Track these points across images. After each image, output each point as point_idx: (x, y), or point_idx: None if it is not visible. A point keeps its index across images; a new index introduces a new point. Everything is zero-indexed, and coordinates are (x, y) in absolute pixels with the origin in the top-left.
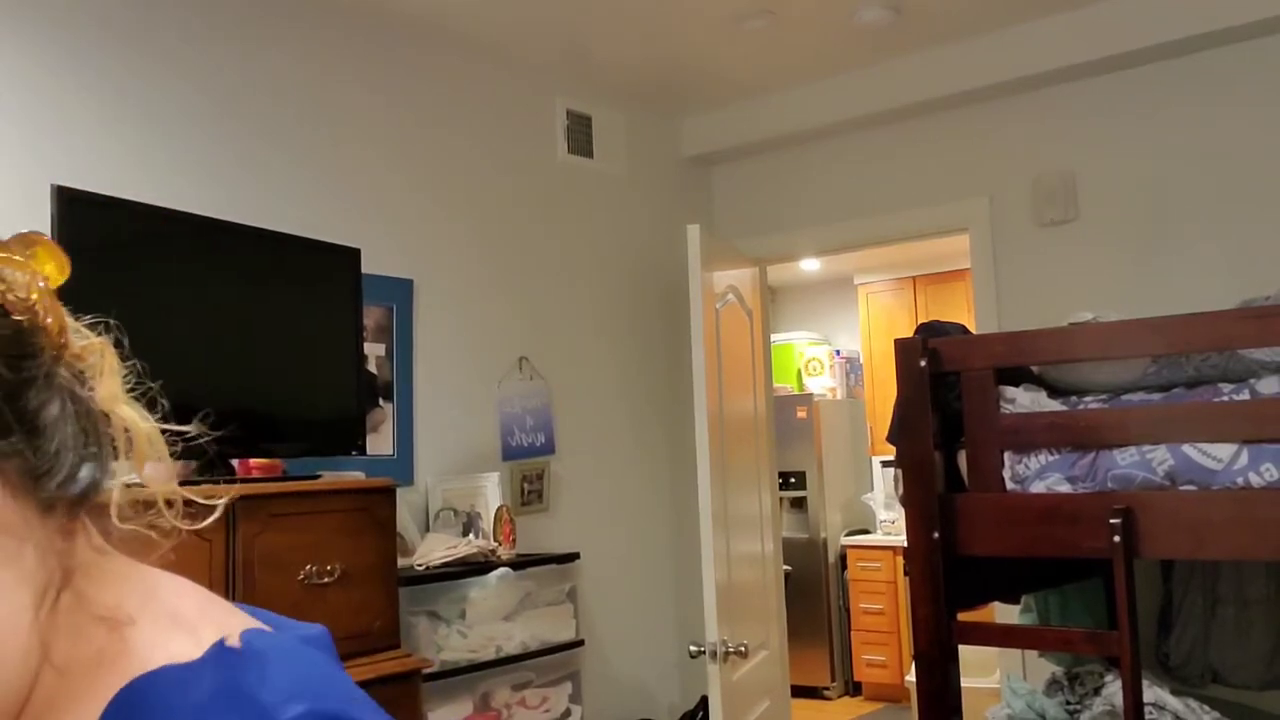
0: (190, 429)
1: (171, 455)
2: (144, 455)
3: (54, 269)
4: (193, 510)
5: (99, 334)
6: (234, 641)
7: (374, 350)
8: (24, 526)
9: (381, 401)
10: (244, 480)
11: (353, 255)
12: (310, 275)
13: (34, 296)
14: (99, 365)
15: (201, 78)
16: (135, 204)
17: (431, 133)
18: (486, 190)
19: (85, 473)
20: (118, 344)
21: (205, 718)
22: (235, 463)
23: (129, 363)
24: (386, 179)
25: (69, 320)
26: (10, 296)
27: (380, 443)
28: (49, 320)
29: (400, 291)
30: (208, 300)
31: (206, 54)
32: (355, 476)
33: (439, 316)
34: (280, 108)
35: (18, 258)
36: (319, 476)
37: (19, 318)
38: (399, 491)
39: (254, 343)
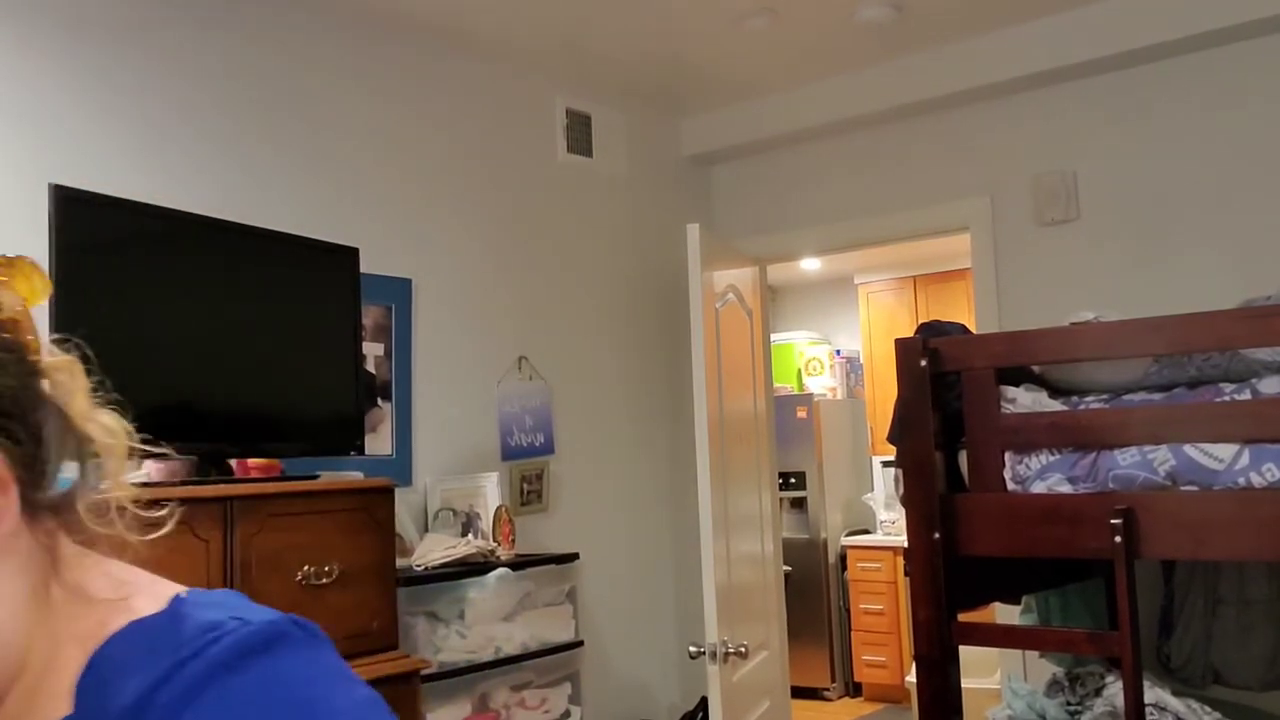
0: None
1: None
2: (116, 467)
3: (34, 288)
4: (153, 517)
5: (67, 351)
6: (184, 594)
7: (373, 350)
8: (22, 525)
9: (380, 401)
10: (242, 480)
11: (351, 255)
12: (309, 275)
13: (19, 317)
14: (69, 383)
15: (199, 77)
16: (134, 203)
17: (431, 132)
18: (486, 189)
19: (69, 476)
20: (85, 359)
21: (154, 642)
22: (233, 463)
23: (96, 377)
24: (386, 178)
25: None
26: (2, 317)
27: (379, 443)
28: (30, 338)
29: (399, 291)
30: (206, 300)
31: (204, 54)
32: (354, 476)
33: (438, 316)
34: (279, 107)
35: (3, 278)
36: (317, 476)
37: (7, 336)
38: (398, 492)
39: (252, 342)
